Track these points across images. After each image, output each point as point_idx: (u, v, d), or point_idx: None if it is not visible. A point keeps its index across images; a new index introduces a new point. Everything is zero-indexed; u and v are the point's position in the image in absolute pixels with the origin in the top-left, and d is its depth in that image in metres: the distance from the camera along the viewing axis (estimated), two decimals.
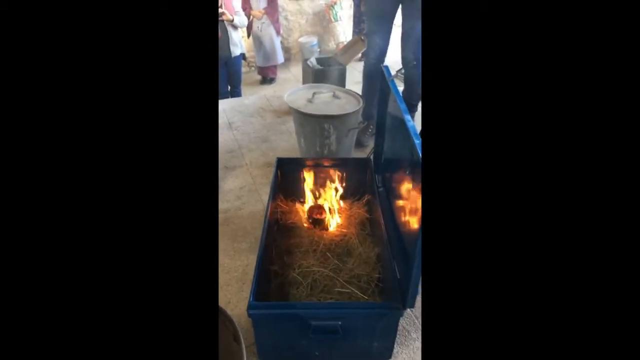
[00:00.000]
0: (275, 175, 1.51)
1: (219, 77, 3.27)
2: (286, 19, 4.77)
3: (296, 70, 4.54)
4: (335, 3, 4.79)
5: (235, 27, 3.12)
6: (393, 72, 1.34)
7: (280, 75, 4.55)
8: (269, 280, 1.28)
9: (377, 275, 1.29)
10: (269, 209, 1.33)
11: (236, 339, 0.79)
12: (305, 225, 1.54)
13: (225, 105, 2.74)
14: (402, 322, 1.23)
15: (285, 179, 1.61)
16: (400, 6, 1.85)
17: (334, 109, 1.75)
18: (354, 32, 4.57)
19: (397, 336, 1.10)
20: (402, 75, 2.13)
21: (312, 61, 2.64)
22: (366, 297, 1.23)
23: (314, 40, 4.72)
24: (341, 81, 2.58)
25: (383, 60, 1.93)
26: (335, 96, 1.84)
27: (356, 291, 1.24)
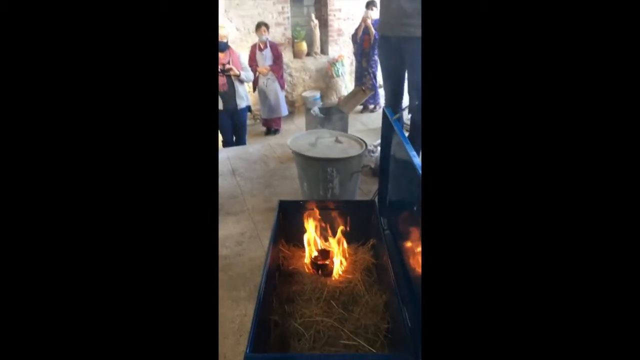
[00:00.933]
0: (277, 219, 1.46)
1: (225, 127, 3.37)
2: (290, 75, 5.04)
3: (300, 122, 4.69)
4: (337, 60, 5.08)
5: (241, 82, 3.28)
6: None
7: (285, 126, 4.69)
8: (269, 331, 1.18)
9: (385, 326, 1.19)
10: (270, 254, 1.27)
11: None
12: (308, 271, 1.46)
13: (229, 153, 2.78)
14: None
15: (288, 222, 1.56)
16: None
17: (337, 152, 1.76)
18: (355, 87, 4.79)
19: None
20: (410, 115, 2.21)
21: (315, 110, 2.72)
22: (374, 351, 1.12)
23: (316, 94, 4.93)
24: (344, 129, 2.63)
25: (400, 104, 2.02)
26: (337, 141, 1.85)
27: (363, 343, 1.13)
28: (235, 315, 1.34)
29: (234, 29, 4.50)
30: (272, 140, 4.32)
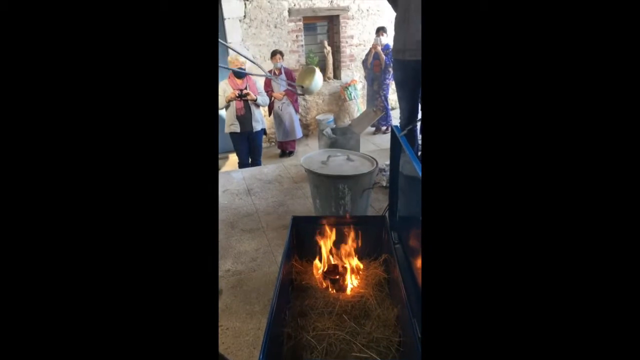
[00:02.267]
0: (291, 234, 1.51)
1: (241, 149, 3.49)
2: (305, 99, 5.20)
3: (314, 144, 4.79)
4: (349, 85, 5.23)
5: (257, 106, 3.43)
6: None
7: (299, 149, 4.80)
8: (281, 344, 1.20)
9: (397, 339, 1.19)
10: (283, 269, 1.31)
11: None
12: (320, 286, 1.49)
13: (245, 174, 2.87)
14: None
15: (301, 238, 1.60)
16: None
17: (348, 170, 1.81)
18: (367, 109, 4.90)
19: None
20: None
21: (328, 131, 2.80)
22: None
23: (330, 117, 5.06)
24: (355, 149, 2.69)
25: (414, 121, 2.09)
26: (349, 159, 1.91)
27: (375, 357, 1.14)
28: (250, 329, 1.37)
29: (251, 57, 4.72)
30: (287, 161, 4.42)
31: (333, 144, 2.66)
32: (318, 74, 1.68)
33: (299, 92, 1.76)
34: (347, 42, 5.25)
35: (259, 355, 0.92)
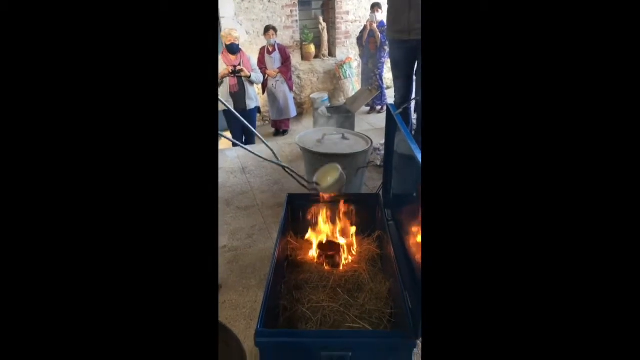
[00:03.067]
0: (286, 211, 1.53)
1: (235, 127, 3.46)
2: (299, 77, 5.12)
3: (308, 123, 4.77)
4: (345, 62, 5.15)
5: (251, 83, 3.38)
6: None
7: (293, 127, 4.77)
8: (278, 316, 1.24)
9: (389, 311, 1.24)
10: (279, 244, 1.34)
11: (242, 359, 0.76)
12: (315, 261, 1.53)
13: (239, 152, 2.86)
14: None
15: (296, 215, 1.63)
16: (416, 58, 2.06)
17: (343, 148, 1.82)
18: (362, 87, 4.85)
19: None
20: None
21: (323, 110, 2.79)
22: None
23: (324, 95, 5.01)
24: (350, 128, 2.69)
25: (409, 100, 2.10)
26: (344, 138, 1.92)
27: (367, 326, 1.19)
28: (246, 302, 1.41)
29: (244, 32, 4.60)
30: (281, 140, 4.41)
31: (328, 123, 2.65)
32: (340, 176, 1.45)
33: (313, 186, 1.51)
34: (342, 18, 5.13)
35: (257, 325, 0.96)
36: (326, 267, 1.48)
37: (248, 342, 1.23)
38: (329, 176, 1.42)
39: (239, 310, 1.37)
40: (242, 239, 1.80)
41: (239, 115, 1.41)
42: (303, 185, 1.46)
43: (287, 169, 1.48)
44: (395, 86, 2.20)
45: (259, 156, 1.51)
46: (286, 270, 1.46)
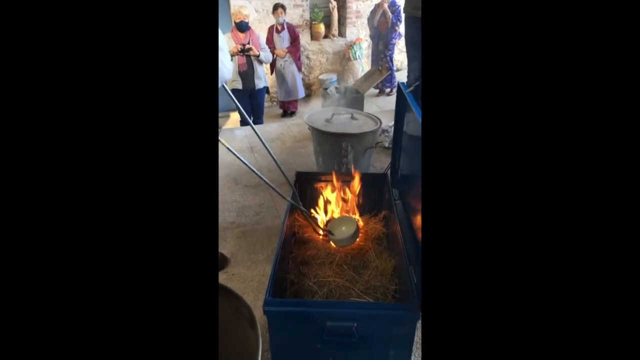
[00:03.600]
0: (294, 189, 1.55)
1: (243, 106, 3.46)
2: (308, 57, 5.06)
3: (316, 104, 4.73)
4: (355, 43, 5.06)
5: (260, 62, 3.35)
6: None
7: (301, 109, 4.75)
8: (285, 289, 1.28)
9: (393, 287, 1.27)
10: (287, 220, 1.36)
11: (252, 325, 0.79)
12: (322, 238, 1.55)
13: (247, 131, 2.87)
14: (420, 335, 1.19)
15: (304, 193, 1.64)
16: None
17: (352, 128, 1.82)
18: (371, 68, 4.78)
19: (415, 350, 1.06)
20: None
21: (332, 90, 2.77)
22: None
23: (333, 77, 4.95)
24: (359, 109, 2.67)
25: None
26: (353, 118, 1.91)
27: (372, 301, 1.22)
28: (254, 275, 1.45)
29: (253, 10, 4.53)
30: (289, 121, 4.40)
31: (336, 104, 2.64)
32: (356, 231, 1.37)
33: (325, 234, 1.42)
34: None
35: (265, 295, 0.99)
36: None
37: (256, 313, 1.27)
38: (345, 227, 1.35)
39: (247, 283, 1.42)
40: (250, 216, 1.83)
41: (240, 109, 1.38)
42: (315, 230, 1.44)
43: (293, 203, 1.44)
44: (409, 66, 2.17)
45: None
46: (293, 246, 1.49)
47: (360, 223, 1.42)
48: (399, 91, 1.41)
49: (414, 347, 1.04)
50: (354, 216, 1.57)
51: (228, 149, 1.07)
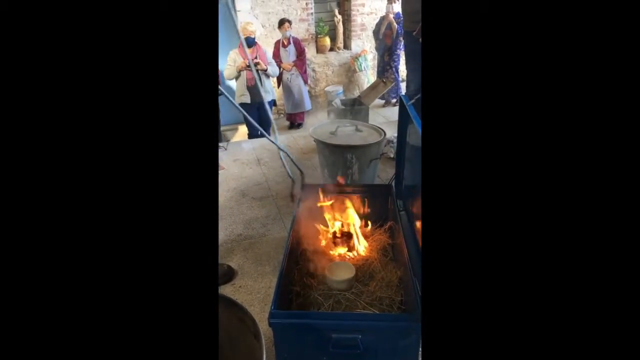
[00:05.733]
0: (299, 201, 1.57)
1: (251, 119, 3.52)
2: (314, 70, 5.13)
3: (323, 117, 4.78)
4: (360, 55, 5.13)
5: (268, 76, 3.42)
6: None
7: (308, 121, 4.80)
8: (291, 301, 1.29)
9: (399, 298, 1.27)
10: (292, 232, 1.38)
11: (257, 336, 0.80)
12: (328, 251, 1.56)
13: (254, 144, 2.92)
14: None
15: (309, 205, 1.66)
16: None
17: (357, 140, 1.84)
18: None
19: None
20: None
21: (337, 102, 2.81)
22: None
23: (339, 89, 5.00)
24: (364, 120, 2.70)
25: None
26: (357, 129, 1.94)
27: (377, 313, 1.22)
28: (261, 287, 1.46)
29: (260, 25, 4.64)
30: (295, 133, 4.44)
31: (342, 115, 2.67)
32: (353, 277, 1.34)
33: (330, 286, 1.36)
34: (358, 10, 5.09)
35: (271, 306, 1.00)
36: (340, 252, 1.51)
37: (262, 325, 1.28)
38: (343, 272, 1.35)
39: (254, 295, 1.43)
40: (257, 228, 1.85)
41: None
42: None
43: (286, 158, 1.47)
44: (408, 78, 2.20)
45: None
46: (299, 258, 1.50)
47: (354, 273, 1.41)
48: (401, 103, 1.43)
49: (419, 358, 1.03)
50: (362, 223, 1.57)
51: (228, 98, 1.12)
